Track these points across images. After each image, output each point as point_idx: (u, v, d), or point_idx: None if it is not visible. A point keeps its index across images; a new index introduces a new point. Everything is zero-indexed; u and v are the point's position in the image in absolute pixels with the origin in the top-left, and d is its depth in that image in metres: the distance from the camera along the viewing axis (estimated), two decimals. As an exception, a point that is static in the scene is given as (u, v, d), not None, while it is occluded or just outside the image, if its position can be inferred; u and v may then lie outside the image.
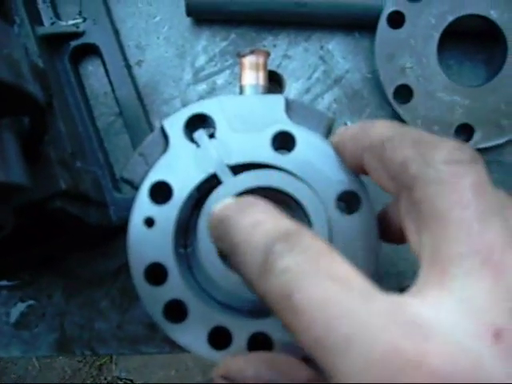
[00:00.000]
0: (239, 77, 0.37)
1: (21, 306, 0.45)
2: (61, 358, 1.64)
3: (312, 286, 0.20)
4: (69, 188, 0.36)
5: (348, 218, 0.32)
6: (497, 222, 0.21)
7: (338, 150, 0.31)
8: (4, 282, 0.46)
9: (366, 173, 0.28)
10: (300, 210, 0.33)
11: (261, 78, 0.36)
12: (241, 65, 0.37)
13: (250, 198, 0.26)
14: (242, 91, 0.37)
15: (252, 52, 0.36)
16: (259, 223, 0.23)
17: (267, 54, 0.37)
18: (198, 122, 0.34)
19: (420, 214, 0.23)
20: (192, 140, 0.34)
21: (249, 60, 0.37)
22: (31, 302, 0.45)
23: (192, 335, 0.33)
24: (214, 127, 0.34)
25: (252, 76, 0.37)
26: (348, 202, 0.32)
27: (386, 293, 0.20)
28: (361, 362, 0.18)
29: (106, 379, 1.62)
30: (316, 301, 0.20)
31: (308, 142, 0.33)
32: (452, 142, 0.24)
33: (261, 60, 0.37)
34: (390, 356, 0.18)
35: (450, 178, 0.22)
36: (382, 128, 0.27)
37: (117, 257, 0.44)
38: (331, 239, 0.32)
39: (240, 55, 0.37)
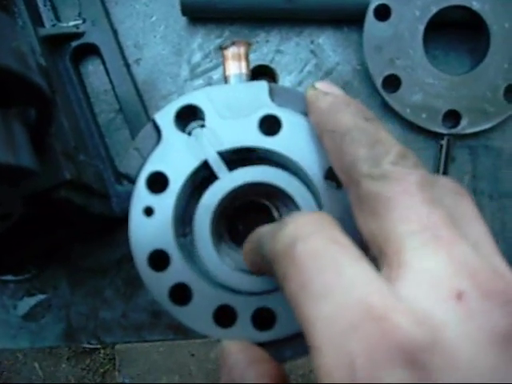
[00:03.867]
0: (223, 68, 0.39)
1: (27, 299, 0.46)
2: (64, 365, 1.65)
3: (314, 240, 0.22)
4: (73, 178, 0.37)
5: (336, 192, 0.33)
6: (441, 210, 0.23)
7: (308, 109, 0.32)
8: (9, 277, 0.47)
9: None
10: (291, 201, 0.34)
11: (243, 67, 0.38)
12: (224, 57, 0.39)
13: None
14: (226, 81, 0.38)
15: (233, 43, 0.38)
16: None
17: (248, 44, 0.39)
18: (188, 113, 0.36)
19: (367, 206, 0.25)
20: (183, 130, 0.36)
21: (231, 51, 0.38)
22: (37, 294, 0.46)
23: (198, 316, 0.34)
24: (203, 117, 0.35)
25: (235, 66, 0.38)
26: (336, 177, 0.34)
27: (373, 266, 0.22)
28: (334, 308, 0.20)
29: (109, 386, 1.63)
30: (314, 251, 0.22)
31: (293, 122, 0.34)
32: (401, 147, 0.26)
33: (242, 50, 0.38)
34: (360, 307, 0.20)
35: (396, 175, 0.24)
36: (349, 116, 0.28)
37: (119, 247, 0.46)
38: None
39: (222, 48, 0.39)
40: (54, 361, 1.65)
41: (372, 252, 0.25)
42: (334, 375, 0.19)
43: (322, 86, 0.31)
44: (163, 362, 1.60)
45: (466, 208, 0.26)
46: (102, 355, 1.65)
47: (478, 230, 0.25)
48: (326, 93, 0.31)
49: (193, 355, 1.59)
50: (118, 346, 1.61)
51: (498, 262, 0.24)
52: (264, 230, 0.28)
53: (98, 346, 1.64)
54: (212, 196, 0.34)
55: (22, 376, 1.65)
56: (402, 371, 0.18)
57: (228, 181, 0.34)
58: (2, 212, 0.33)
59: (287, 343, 0.33)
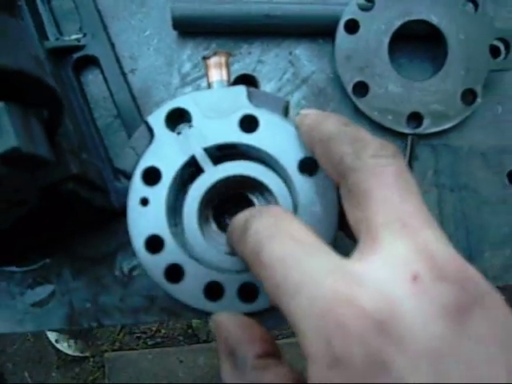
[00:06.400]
0: (206, 76, 0.43)
1: (33, 286, 0.51)
2: (54, 374, 1.66)
3: (274, 244, 0.27)
4: (79, 173, 0.42)
5: (309, 180, 0.38)
6: (414, 198, 0.27)
7: (299, 130, 0.37)
8: (13, 268, 0.51)
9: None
10: (269, 191, 0.39)
11: (224, 74, 0.42)
12: (207, 66, 0.43)
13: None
14: (210, 87, 0.42)
15: (215, 54, 0.43)
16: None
17: (228, 54, 0.43)
18: (177, 115, 0.40)
19: (353, 196, 0.29)
20: (173, 130, 0.40)
21: (213, 60, 0.43)
22: (43, 281, 0.51)
23: (190, 291, 0.38)
24: (190, 118, 0.40)
25: (217, 73, 0.42)
26: (308, 166, 0.38)
27: (334, 252, 0.26)
28: (306, 302, 0.24)
29: (99, 394, 1.65)
30: (277, 255, 0.26)
31: (269, 121, 0.39)
32: (379, 140, 0.30)
33: (223, 59, 0.43)
34: (329, 296, 0.23)
35: (374, 167, 0.28)
36: (331, 125, 0.33)
37: (118, 238, 0.50)
38: (296, 202, 0.38)
39: (205, 57, 0.43)
40: (43, 370, 1.67)
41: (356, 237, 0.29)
42: (317, 354, 0.23)
43: (303, 111, 0.36)
44: (152, 368, 1.62)
45: None
46: (91, 363, 1.67)
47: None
48: (307, 113, 0.36)
49: (181, 362, 1.62)
50: (107, 354, 1.63)
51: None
52: (233, 226, 0.31)
53: (87, 355, 1.67)
54: (199, 187, 0.38)
55: (13, 386, 1.66)
56: (367, 343, 0.22)
57: (213, 174, 0.39)
58: (19, 198, 0.37)
59: (269, 314, 0.38)
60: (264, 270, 0.26)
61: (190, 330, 1.68)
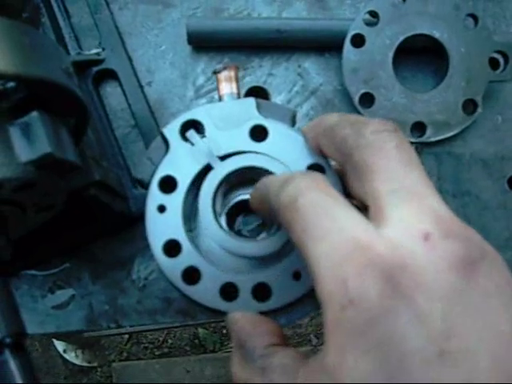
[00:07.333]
0: (217, 89, 0.45)
1: (54, 289, 0.53)
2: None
3: (312, 194, 0.28)
4: (101, 179, 0.44)
5: None
6: (416, 169, 0.28)
7: (305, 135, 0.39)
8: (34, 272, 0.53)
9: (322, 153, 0.37)
10: None
11: (234, 87, 0.44)
12: (217, 79, 0.45)
13: None
14: (221, 99, 0.44)
15: (225, 68, 0.45)
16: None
17: (237, 68, 0.45)
18: (190, 126, 0.42)
19: (358, 172, 0.30)
20: (187, 140, 0.42)
21: (223, 74, 0.45)
22: (63, 285, 0.53)
23: (207, 293, 0.40)
24: (203, 129, 0.42)
25: (227, 86, 0.44)
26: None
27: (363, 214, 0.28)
28: (329, 247, 0.25)
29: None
30: (312, 203, 0.28)
31: (278, 130, 0.41)
32: (378, 119, 0.32)
33: (232, 73, 0.45)
34: (350, 243, 0.25)
35: (377, 142, 0.30)
36: (332, 117, 0.35)
37: (135, 243, 0.52)
38: None
39: (216, 72, 0.45)
40: (51, 380, 1.68)
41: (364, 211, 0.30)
42: (331, 296, 0.25)
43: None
44: (159, 378, 1.62)
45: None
46: (98, 374, 1.68)
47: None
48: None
49: (188, 372, 1.63)
50: (114, 365, 1.65)
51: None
52: (270, 182, 0.33)
53: (95, 365, 1.68)
54: (210, 182, 0.40)
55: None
56: (382, 284, 0.24)
57: (222, 168, 0.40)
58: (48, 203, 0.40)
59: (281, 312, 0.40)
60: (296, 214, 0.28)
61: (196, 341, 1.69)
